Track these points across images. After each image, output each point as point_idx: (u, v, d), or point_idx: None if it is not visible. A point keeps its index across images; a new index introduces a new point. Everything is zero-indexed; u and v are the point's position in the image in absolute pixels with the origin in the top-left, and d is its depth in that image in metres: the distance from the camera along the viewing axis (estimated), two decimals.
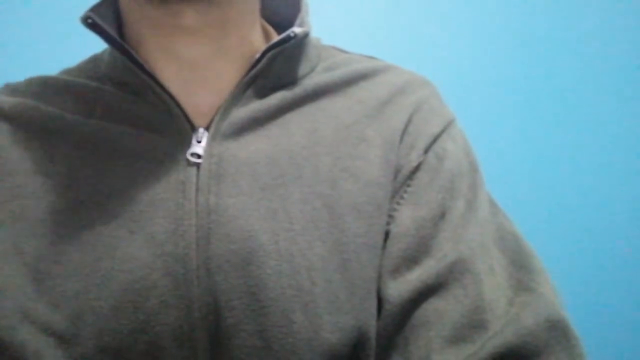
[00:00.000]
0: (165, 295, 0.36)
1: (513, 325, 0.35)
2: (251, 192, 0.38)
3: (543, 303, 0.37)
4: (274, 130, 0.41)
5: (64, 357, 0.35)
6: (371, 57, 0.49)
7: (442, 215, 0.40)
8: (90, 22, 0.39)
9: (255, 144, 0.40)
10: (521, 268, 0.39)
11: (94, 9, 0.40)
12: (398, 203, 0.41)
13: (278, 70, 0.42)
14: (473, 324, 0.36)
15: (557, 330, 0.36)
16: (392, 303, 0.37)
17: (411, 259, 0.39)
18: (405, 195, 0.41)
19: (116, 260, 0.36)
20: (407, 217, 0.40)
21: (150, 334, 0.35)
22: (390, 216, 0.40)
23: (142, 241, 0.37)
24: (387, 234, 0.40)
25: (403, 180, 0.41)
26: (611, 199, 1.12)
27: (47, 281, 0.36)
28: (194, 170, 0.38)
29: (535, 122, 1.12)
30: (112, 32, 0.40)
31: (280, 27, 0.47)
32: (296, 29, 0.41)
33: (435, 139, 0.43)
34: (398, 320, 0.37)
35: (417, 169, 0.42)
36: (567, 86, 1.12)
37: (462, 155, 0.44)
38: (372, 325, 0.38)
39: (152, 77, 0.40)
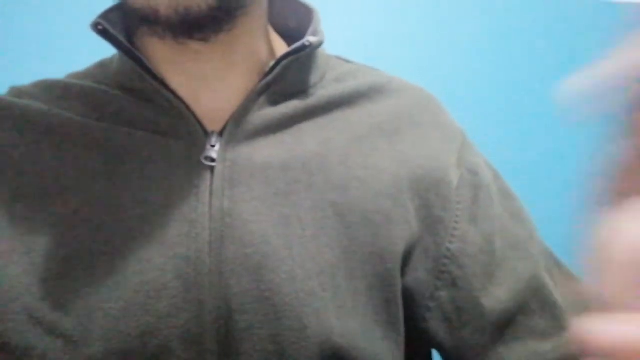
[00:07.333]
0: (176, 298, 0.36)
1: None
2: (264, 197, 0.38)
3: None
4: (287, 138, 0.41)
5: (71, 359, 0.35)
6: (375, 69, 0.49)
7: (499, 228, 0.43)
8: (101, 29, 0.39)
9: (269, 150, 0.40)
10: (557, 264, 0.45)
11: (104, 15, 0.40)
12: (456, 222, 0.43)
13: (291, 79, 0.42)
14: (557, 325, 0.42)
15: None
16: (489, 319, 0.41)
17: (489, 274, 0.42)
18: (458, 213, 0.43)
19: (128, 262, 0.36)
20: (474, 234, 0.43)
21: (160, 337, 0.35)
22: (452, 235, 0.42)
23: (154, 243, 0.37)
24: (453, 251, 0.42)
25: (447, 195, 0.43)
26: None
27: (56, 282, 0.36)
28: (207, 174, 0.38)
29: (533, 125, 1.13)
30: (122, 39, 0.40)
31: (286, 36, 0.48)
32: (311, 38, 0.41)
33: (460, 154, 0.45)
34: (495, 333, 0.41)
35: (459, 186, 0.44)
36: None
37: (485, 164, 0.47)
38: (375, 331, 0.39)
39: (162, 83, 0.40)
